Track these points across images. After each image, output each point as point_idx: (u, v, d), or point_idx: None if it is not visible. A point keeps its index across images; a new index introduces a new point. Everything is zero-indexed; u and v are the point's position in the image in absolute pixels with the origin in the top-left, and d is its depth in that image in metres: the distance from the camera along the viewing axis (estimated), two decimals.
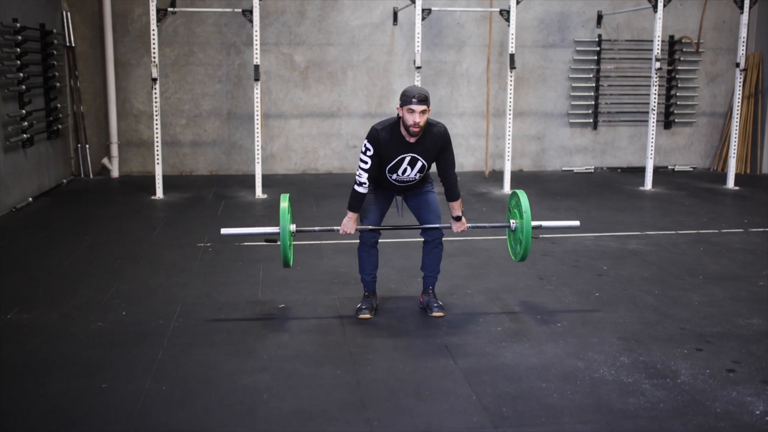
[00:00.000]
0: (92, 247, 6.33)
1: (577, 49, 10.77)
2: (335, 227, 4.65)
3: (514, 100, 10.31)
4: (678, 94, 11.09)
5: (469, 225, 4.73)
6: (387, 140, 4.37)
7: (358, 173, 4.45)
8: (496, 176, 10.20)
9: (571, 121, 10.95)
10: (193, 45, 10.04)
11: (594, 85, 10.86)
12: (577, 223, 4.90)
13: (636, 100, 11.04)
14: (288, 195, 4.54)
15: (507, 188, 9.19)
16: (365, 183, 4.45)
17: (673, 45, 10.91)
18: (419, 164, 4.46)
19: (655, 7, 9.10)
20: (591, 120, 10.98)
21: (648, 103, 10.97)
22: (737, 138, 9.68)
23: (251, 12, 8.36)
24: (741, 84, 9.49)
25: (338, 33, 10.30)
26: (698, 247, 6.54)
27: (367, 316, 4.64)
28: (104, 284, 5.27)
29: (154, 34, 8.33)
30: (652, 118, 9.41)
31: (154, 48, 8.36)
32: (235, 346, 4.17)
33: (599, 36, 10.78)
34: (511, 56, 8.90)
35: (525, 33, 10.45)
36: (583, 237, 6.83)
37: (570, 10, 10.68)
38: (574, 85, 10.84)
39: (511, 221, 4.71)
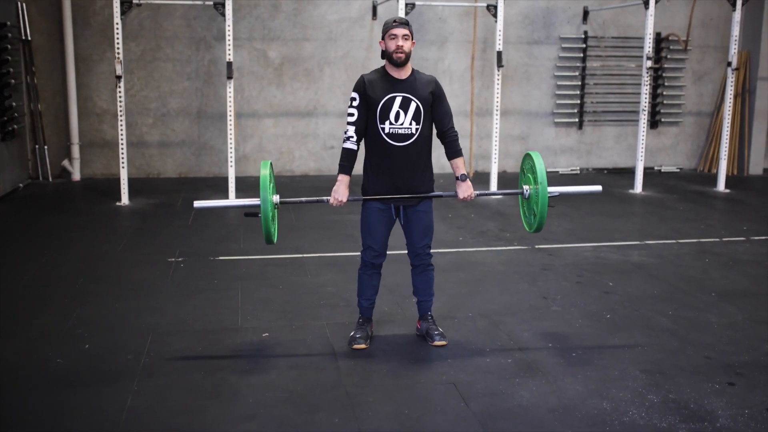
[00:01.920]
0: (51, 264, 5.76)
1: (563, 46, 10.39)
2: (324, 197, 4.12)
3: (485, 99, 9.91)
4: (665, 93, 10.77)
5: (477, 192, 4.20)
6: (373, 80, 3.98)
7: (345, 129, 4.02)
8: (481, 178, 9.79)
9: (556, 120, 10.57)
10: (160, 39, 9.44)
11: (580, 83, 10.49)
12: (599, 188, 4.42)
13: (622, 99, 10.70)
14: (269, 162, 3.98)
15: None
16: (353, 137, 4.00)
17: (660, 43, 10.58)
18: (413, 107, 3.95)
19: (646, 4, 8.74)
20: (576, 119, 10.61)
21: (634, 103, 10.68)
22: (727, 139, 9.37)
23: (223, 5, 7.81)
24: (733, 83, 9.17)
25: (315, 28, 9.78)
26: (703, 258, 6.18)
27: (363, 346, 4.17)
28: (64, 309, 4.73)
29: (118, 28, 7.74)
30: (643, 119, 9.06)
31: (118, 43, 7.77)
32: (217, 387, 3.67)
33: (585, 33, 10.41)
34: (499, 53, 8.47)
35: (509, 29, 10.02)
36: (581, 248, 6.44)
37: (556, 5, 10.28)
38: (559, 83, 10.46)
39: (525, 187, 4.20)
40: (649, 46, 8.85)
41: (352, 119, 4.00)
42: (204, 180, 9.57)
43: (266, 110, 9.85)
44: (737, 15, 9.00)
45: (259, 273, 5.60)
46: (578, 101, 10.56)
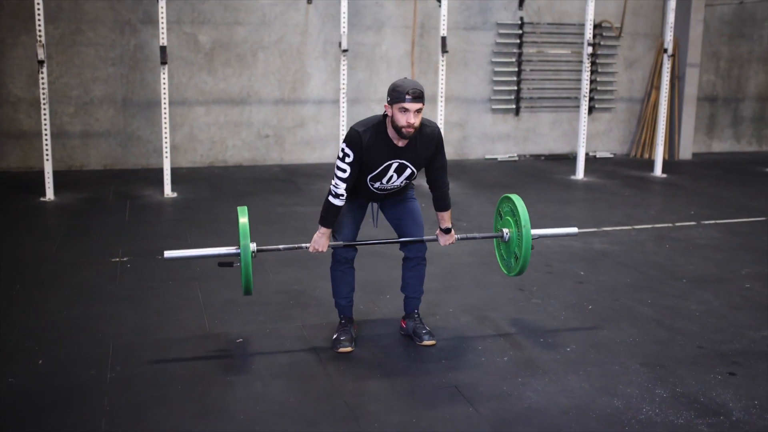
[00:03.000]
0: None
1: (500, 32, 10.29)
2: (304, 245, 3.86)
3: (435, 85, 9.73)
4: (598, 79, 10.84)
5: (458, 236, 4.06)
6: (372, 144, 3.63)
7: (334, 183, 3.69)
8: None
9: (493, 107, 10.48)
10: (80, 22, 8.78)
11: (516, 69, 10.43)
12: (575, 230, 4.34)
13: (557, 85, 10.70)
14: (246, 207, 3.72)
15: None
16: (343, 195, 3.70)
17: (593, 29, 10.60)
18: (408, 171, 3.77)
19: None
20: (513, 106, 10.55)
21: (569, 89, 10.72)
22: (664, 125, 9.50)
23: None
24: (669, 70, 9.28)
25: (247, 11, 9.32)
26: (663, 244, 6.17)
27: (348, 349, 3.88)
28: (5, 320, 4.23)
29: (39, 9, 7.10)
30: (584, 105, 9.06)
31: (39, 25, 7.14)
32: (199, 400, 3.31)
33: (521, 19, 10.34)
34: (443, 39, 8.26)
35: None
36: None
37: None
38: (496, 69, 10.35)
39: (504, 230, 4.08)
40: (590, 33, 8.83)
41: (344, 175, 3.66)
42: (132, 172, 8.99)
43: (197, 98, 9.34)
44: (672, 2, 9.09)
45: (216, 272, 5.17)
46: (515, 87, 10.50)
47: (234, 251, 3.73)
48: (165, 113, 7.62)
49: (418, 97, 3.51)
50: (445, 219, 3.97)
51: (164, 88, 7.55)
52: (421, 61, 9.99)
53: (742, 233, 6.57)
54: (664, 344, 4.08)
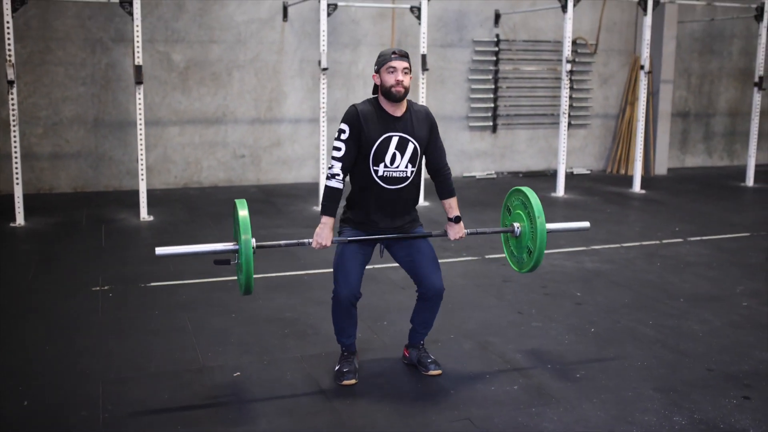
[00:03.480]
0: None
1: (476, 49, 10.26)
2: (306, 240, 3.64)
3: None
4: (573, 95, 10.86)
5: (468, 231, 3.87)
6: (367, 114, 3.55)
7: (330, 165, 3.59)
8: None
9: (470, 124, 10.42)
10: (49, 41, 8.53)
11: (493, 86, 10.40)
12: (587, 224, 4.20)
13: (534, 102, 10.70)
14: (244, 200, 3.49)
15: (420, 199, 8.47)
16: (339, 176, 3.57)
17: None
18: (410, 148, 3.59)
19: (564, 8, 8.72)
20: (490, 123, 10.51)
21: (546, 106, 10.73)
22: (642, 141, 9.52)
23: (131, 3, 7.08)
24: (646, 86, 9.32)
25: (222, 29, 9.15)
26: (653, 262, 6.12)
27: (352, 381, 3.72)
28: None
29: (9, 28, 6.85)
30: (564, 122, 9.04)
31: (9, 44, 6.89)
32: None
33: (497, 36, 10.32)
34: (423, 57, 8.18)
35: None
36: None
37: (468, 8, 10.13)
38: (473, 86, 10.31)
39: (515, 225, 3.90)
40: (568, 50, 8.83)
41: (339, 154, 3.55)
42: (104, 195, 8.72)
43: (171, 117, 9.12)
44: (648, 20, 9.14)
45: (203, 299, 5.01)
46: (492, 105, 10.47)
47: (232, 247, 3.46)
48: (141, 134, 7.40)
49: (404, 55, 3.53)
50: (453, 206, 3.82)
51: (140, 109, 7.33)
52: None
53: (730, 249, 6.56)
54: (673, 367, 3.99)
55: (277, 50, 9.41)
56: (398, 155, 3.58)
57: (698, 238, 6.95)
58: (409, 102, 3.65)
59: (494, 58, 10.33)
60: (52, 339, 4.27)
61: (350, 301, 3.69)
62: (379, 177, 3.59)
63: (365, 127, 3.52)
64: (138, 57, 7.20)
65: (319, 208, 7.98)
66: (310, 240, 3.60)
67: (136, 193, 8.13)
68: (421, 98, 8.28)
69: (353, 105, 3.59)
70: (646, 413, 3.45)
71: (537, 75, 10.64)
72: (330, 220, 3.59)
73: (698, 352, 4.21)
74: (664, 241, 6.83)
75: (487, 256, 6.21)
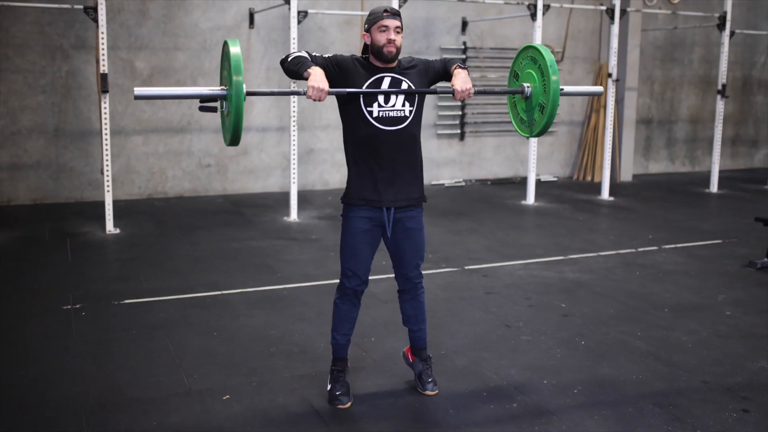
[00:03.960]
0: None
1: (443, 56, 10.18)
2: (301, 90, 3.26)
3: None
4: None
5: (477, 88, 3.55)
6: (357, 61, 3.43)
7: (289, 54, 3.38)
8: None
9: (438, 132, 10.37)
10: (7, 48, 8.21)
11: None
12: (600, 89, 4.01)
13: (500, 110, 10.70)
14: (236, 39, 3.20)
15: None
16: (301, 52, 3.35)
17: None
18: (404, 86, 3.41)
19: (533, 16, 8.73)
20: (458, 131, 10.48)
21: None
22: (610, 148, 9.58)
23: (95, 9, 6.85)
24: (614, 94, 9.38)
25: (187, 36, 8.93)
26: (633, 271, 6.12)
27: (348, 404, 3.59)
28: None
29: None
30: None
31: None
32: None
33: (464, 43, 10.30)
34: None
35: None
36: (511, 266, 6.18)
37: (435, 15, 10.09)
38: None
39: (524, 85, 3.62)
40: None
41: (306, 53, 3.35)
42: (66, 206, 8.42)
43: (134, 126, 8.87)
44: (615, 28, 9.21)
45: (181, 318, 4.83)
46: (459, 112, 10.44)
47: (220, 92, 3.10)
48: (106, 144, 7.16)
49: (396, 13, 3.40)
50: (458, 63, 3.55)
51: (105, 118, 7.09)
52: None
53: (704, 257, 6.60)
54: (668, 381, 3.96)
55: (244, 58, 9.21)
56: (393, 97, 3.39)
57: (672, 246, 6.99)
58: (399, 59, 3.47)
59: None
60: (25, 363, 4.04)
61: (358, 287, 3.57)
62: (375, 118, 3.36)
63: (353, 70, 3.37)
64: (103, 65, 6.97)
65: (291, 218, 7.86)
66: (304, 89, 3.21)
67: (100, 204, 7.88)
68: None
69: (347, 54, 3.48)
70: (649, 429, 3.40)
71: (504, 82, 10.64)
72: (316, 68, 3.23)
73: (691, 364, 4.19)
74: (640, 249, 6.84)
75: (466, 267, 6.14)
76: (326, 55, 3.41)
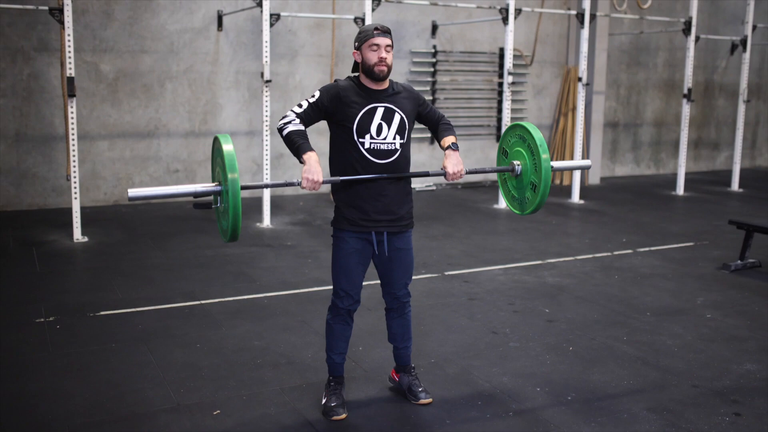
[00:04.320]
0: None
1: (414, 60, 10.19)
2: (295, 180, 3.28)
3: None
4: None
5: (468, 169, 3.59)
6: (348, 89, 3.36)
7: (284, 116, 3.33)
8: None
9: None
10: None
11: (431, 98, 10.35)
12: (589, 162, 4.04)
13: (471, 113, 10.71)
14: (228, 135, 3.13)
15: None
16: (296, 120, 3.30)
17: (502, 58, 10.70)
18: (397, 119, 3.36)
19: (505, 20, 8.75)
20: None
21: (482, 117, 10.77)
22: (581, 151, 9.65)
23: (61, 11, 6.65)
24: (584, 98, 9.45)
25: (153, 39, 8.75)
26: (611, 275, 6.15)
27: (343, 416, 3.52)
28: None
29: None
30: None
31: None
32: None
33: (434, 47, 10.29)
34: None
35: None
36: (491, 271, 6.17)
37: (405, 19, 10.06)
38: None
39: (515, 163, 3.64)
40: (510, 62, 8.86)
41: (299, 110, 3.33)
42: (29, 214, 8.17)
43: (100, 131, 8.65)
44: (585, 32, 9.28)
45: (162, 329, 4.69)
46: None
47: (214, 188, 3.10)
48: (74, 149, 6.95)
49: (387, 31, 3.35)
50: (451, 138, 3.52)
51: (72, 122, 6.89)
52: None
53: (679, 260, 6.67)
54: (659, 386, 3.96)
55: (212, 61, 9.08)
56: (384, 126, 3.34)
57: (647, 249, 7.05)
58: (391, 80, 3.46)
59: (432, 69, 10.29)
60: (1, 381, 3.88)
61: (351, 307, 3.53)
62: (367, 149, 3.33)
63: (345, 98, 3.32)
64: (70, 68, 6.77)
65: (264, 224, 7.74)
66: (299, 180, 3.22)
67: (65, 211, 7.71)
68: None
69: (334, 80, 3.40)
70: None
71: (473, 86, 10.66)
72: (312, 154, 3.23)
73: (679, 368, 4.20)
74: (616, 253, 6.89)
75: (446, 273, 6.10)
76: (312, 99, 3.34)
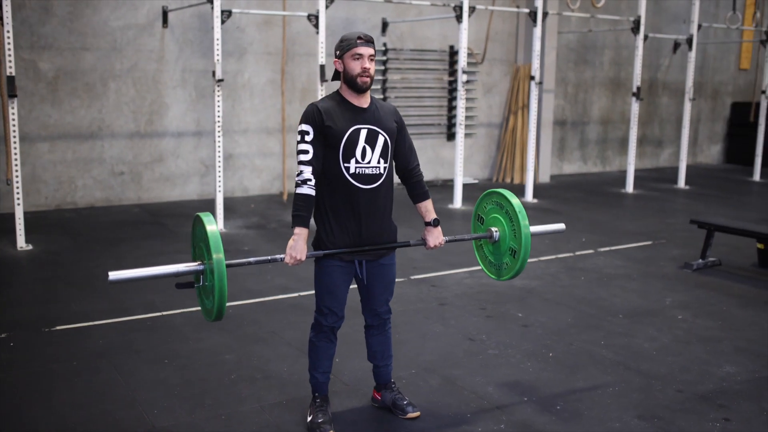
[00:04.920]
0: None
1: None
2: (278, 256, 3.21)
3: (288, 115, 9.33)
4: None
5: (446, 238, 3.59)
6: (331, 110, 3.24)
7: (298, 171, 3.23)
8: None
9: None
10: None
11: (382, 96, 10.22)
12: (562, 226, 4.01)
13: (421, 112, 10.62)
14: (210, 213, 3.06)
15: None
16: (310, 180, 3.21)
17: (453, 56, 10.66)
18: (380, 141, 3.26)
19: (459, 18, 8.67)
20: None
21: (433, 116, 10.70)
22: (534, 149, 9.67)
23: (0, 6, 6.26)
24: (537, 97, 9.47)
25: (95, 35, 8.36)
26: (577, 276, 6.14)
27: None
28: None
29: None
30: (461, 132, 9.01)
31: None
32: None
33: (385, 45, 10.16)
34: (322, 67, 7.85)
35: (310, 39, 9.41)
36: (456, 275, 6.09)
37: (355, 16, 9.89)
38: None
39: (492, 229, 3.64)
40: (464, 60, 8.80)
41: (307, 157, 3.20)
42: None
43: (39, 132, 8.23)
44: (537, 31, 9.29)
45: (125, 344, 4.44)
46: None
47: (197, 267, 3.04)
48: (16, 152, 6.57)
49: (370, 41, 3.25)
50: (429, 209, 3.52)
51: (14, 124, 6.50)
52: (286, 89, 9.49)
53: (640, 260, 6.71)
54: (644, 392, 3.93)
55: (157, 59, 8.74)
56: (368, 149, 3.23)
57: (607, 249, 7.08)
58: (372, 96, 3.35)
59: (382, 68, 10.16)
60: None
61: (335, 325, 3.40)
62: (351, 175, 3.22)
63: (329, 122, 3.19)
64: (10, 67, 6.39)
65: (218, 228, 7.47)
66: (283, 255, 3.18)
67: (5, 217, 7.34)
68: None
69: (312, 104, 3.26)
70: None
71: (424, 84, 10.57)
72: (304, 231, 3.20)
73: (661, 372, 4.18)
74: (578, 253, 6.89)
75: (412, 277, 5.98)
76: (309, 138, 3.20)
